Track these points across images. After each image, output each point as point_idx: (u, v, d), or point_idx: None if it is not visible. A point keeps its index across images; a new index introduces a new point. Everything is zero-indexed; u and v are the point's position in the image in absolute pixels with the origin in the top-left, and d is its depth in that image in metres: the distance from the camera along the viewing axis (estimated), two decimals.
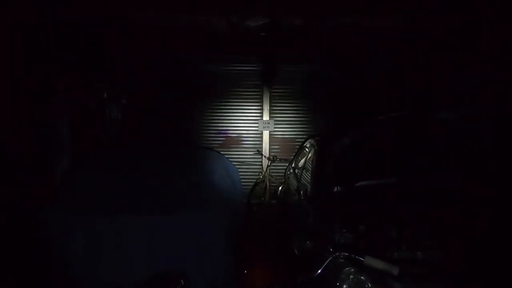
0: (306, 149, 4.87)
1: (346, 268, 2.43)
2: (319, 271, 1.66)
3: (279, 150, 7.20)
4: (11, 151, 4.59)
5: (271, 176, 6.79)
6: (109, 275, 2.97)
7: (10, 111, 4.64)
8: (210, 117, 7.25)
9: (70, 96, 5.61)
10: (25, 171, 4.72)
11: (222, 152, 6.49)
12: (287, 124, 7.25)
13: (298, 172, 4.90)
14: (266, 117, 7.18)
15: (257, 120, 7.22)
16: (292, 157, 5.75)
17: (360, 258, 1.63)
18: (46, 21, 5.11)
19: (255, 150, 7.15)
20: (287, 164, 6.17)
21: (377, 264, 1.59)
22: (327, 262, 1.68)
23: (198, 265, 2.84)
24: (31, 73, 4.84)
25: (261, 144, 7.22)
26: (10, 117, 4.63)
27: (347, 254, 1.69)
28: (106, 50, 6.45)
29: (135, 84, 7.04)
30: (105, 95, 6.52)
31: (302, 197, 3.68)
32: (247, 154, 7.24)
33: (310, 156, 4.45)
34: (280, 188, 6.08)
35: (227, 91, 7.23)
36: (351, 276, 2.40)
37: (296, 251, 1.77)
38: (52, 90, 5.35)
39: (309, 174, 4.12)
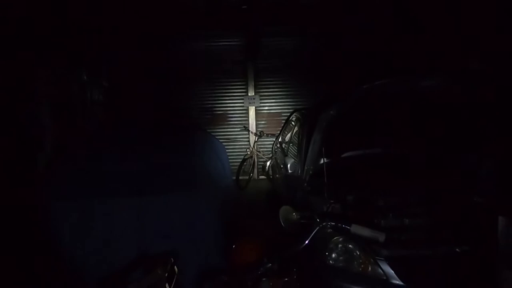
0: (292, 122, 4.85)
1: (334, 238, 2.46)
2: (306, 241, 1.66)
3: (265, 125, 7.18)
4: None
5: (259, 152, 6.79)
6: (101, 256, 2.97)
7: None
8: (195, 95, 7.15)
9: (50, 80, 5.45)
10: (8, 159, 4.62)
11: (209, 130, 6.44)
12: (273, 98, 7.21)
13: (285, 146, 4.90)
14: (251, 92, 7.11)
15: (242, 96, 7.15)
16: (279, 132, 5.74)
17: (346, 226, 1.63)
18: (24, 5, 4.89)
19: (242, 126, 7.11)
20: (274, 139, 6.17)
21: (364, 231, 1.60)
22: (314, 232, 1.68)
23: (189, 244, 2.85)
24: (10, 58, 4.67)
25: (248, 120, 7.19)
26: None
27: (333, 223, 1.69)
28: (86, 32, 6.23)
29: (117, 66, 6.85)
30: (85, 77, 6.33)
31: (290, 171, 3.69)
32: (234, 131, 7.20)
33: (297, 130, 4.44)
34: (268, 163, 6.10)
35: (211, 68, 7.12)
36: (340, 245, 2.44)
37: (282, 224, 1.77)
38: (32, 75, 5.18)
39: (296, 148, 4.12)
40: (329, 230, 2.32)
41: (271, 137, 6.52)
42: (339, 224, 1.68)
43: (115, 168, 3.47)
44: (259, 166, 6.81)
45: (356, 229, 1.62)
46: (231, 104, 7.20)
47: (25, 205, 3.24)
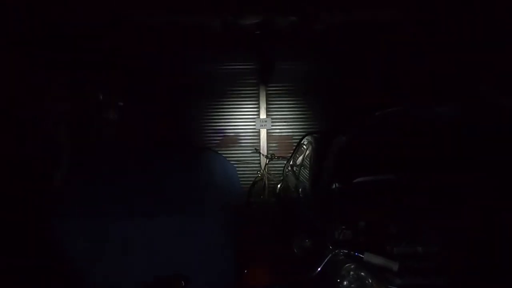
0: (304, 146, 4.87)
1: (347, 265, 2.43)
2: (318, 268, 1.66)
3: (277, 148, 7.20)
4: (9, 153, 4.57)
5: (270, 174, 6.79)
6: (112, 276, 2.98)
7: (9, 113, 4.62)
8: (207, 117, 7.24)
9: (68, 98, 5.60)
10: (24, 173, 4.71)
11: (220, 152, 6.49)
12: (284, 121, 7.25)
13: (296, 169, 4.90)
14: (263, 115, 7.18)
15: (254, 118, 7.22)
16: (290, 155, 5.74)
17: (359, 254, 1.63)
18: (46, 22, 5.09)
19: (253, 148, 7.14)
20: (285, 162, 6.17)
21: (377, 260, 1.60)
22: (326, 259, 1.68)
23: (199, 266, 2.84)
24: (30, 75, 4.83)
25: (259, 143, 7.22)
26: (9, 119, 4.61)
27: (346, 251, 1.69)
28: (102, 51, 6.42)
29: (131, 85, 7.01)
30: (101, 96, 6.49)
31: (301, 195, 3.68)
32: (245, 153, 7.23)
33: (308, 153, 4.45)
34: (278, 186, 6.09)
35: (224, 90, 7.22)
36: (351, 273, 2.41)
37: (295, 250, 1.77)
38: (51, 92, 5.34)
39: (308, 171, 4.12)
40: (341, 257, 2.30)
41: (282, 159, 6.54)
42: (352, 252, 1.68)
43: (126, 188, 3.51)
44: (269, 188, 6.79)
45: (369, 257, 1.62)
46: (243, 126, 7.26)
47: (35, 222, 3.27)
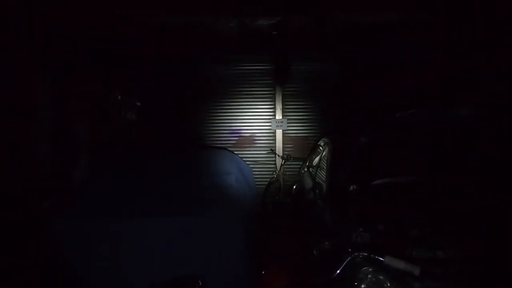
0: (321, 147, 4.84)
1: (364, 268, 2.40)
2: (337, 271, 1.65)
3: (292, 149, 7.17)
4: (29, 154, 4.67)
5: (285, 175, 6.77)
6: (127, 278, 2.99)
7: (28, 114, 4.72)
8: (223, 117, 7.27)
9: (86, 99, 5.69)
10: (43, 173, 4.80)
11: (235, 152, 6.50)
12: (300, 122, 7.22)
13: (312, 170, 4.87)
14: (279, 116, 7.17)
15: (270, 119, 7.21)
16: (306, 156, 5.72)
17: (380, 258, 1.61)
18: (63, 24, 5.19)
19: (269, 149, 7.13)
20: (301, 163, 6.15)
21: (398, 264, 1.57)
22: (345, 262, 1.66)
23: (215, 266, 2.84)
24: (48, 77, 4.92)
25: (275, 143, 7.21)
26: (28, 120, 4.71)
27: (366, 254, 1.67)
28: (120, 53, 6.52)
29: (148, 86, 7.10)
30: (119, 97, 6.59)
31: (317, 196, 3.66)
32: (261, 153, 7.23)
33: (325, 154, 4.42)
34: (294, 186, 6.07)
35: (240, 91, 7.24)
36: (369, 276, 2.38)
37: (314, 252, 1.76)
38: (69, 93, 5.44)
39: (324, 173, 4.09)
40: (359, 260, 2.27)
41: (297, 160, 6.51)
42: (372, 255, 1.66)
43: (143, 188, 3.55)
44: (285, 189, 6.77)
45: (390, 261, 1.59)
46: (259, 127, 7.26)
47: (50, 224, 3.28)
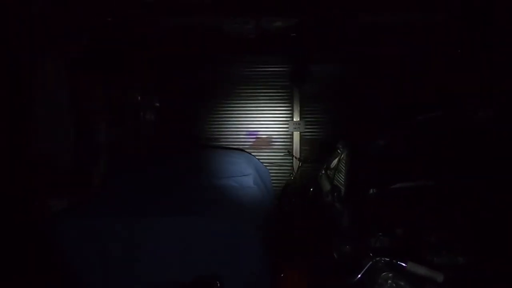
0: (339, 150, 4.80)
1: (384, 273, 2.37)
2: (358, 276, 1.63)
3: (310, 151, 7.14)
4: (49, 155, 4.75)
5: (302, 177, 6.74)
6: (144, 278, 3.01)
7: (48, 115, 4.81)
8: (241, 119, 7.28)
9: (106, 100, 5.78)
10: (63, 174, 4.88)
11: (253, 154, 6.52)
12: (318, 124, 7.18)
13: (330, 173, 4.85)
14: (296, 118, 7.14)
15: (287, 121, 7.19)
16: (324, 158, 5.68)
17: (402, 263, 1.59)
18: (81, 27, 5.29)
19: (286, 151, 7.12)
20: (318, 165, 6.11)
21: (420, 270, 1.55)
22: (367, 267, 1.64)
23: (233, 268, 2.85)
24: (66, 77, 5.00)
25: (292, 145, 7.19)
26: (48, 121, 4.80)
27: (388, 259, 1.65)
28: (139, 54, 6.61)
29: (167, 87, 7.18)
30: (139, 98, 6.69)
31: (336, 199, 3.64)
32: (278, 155, 7.22)
33: (343, 157, 4.39)
34: (311, 189, 6.04)
35: (257, 92, 7.24)
36: (389, 281, 2.35)
37: (335, 255, 1.75)
38: (89, 94, 5.53)
39: (342, 176, 4.07)
40: (380, 265, 2.25)
41: (315, 163, 6.48)
42: (394, 261, 1.64)
43: (161, 189, 3.58)
44: (302, 192, 6.74)
45: (412, 267, 1.57)
46: (276, 128, 7.25)
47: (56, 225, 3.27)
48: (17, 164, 4.20)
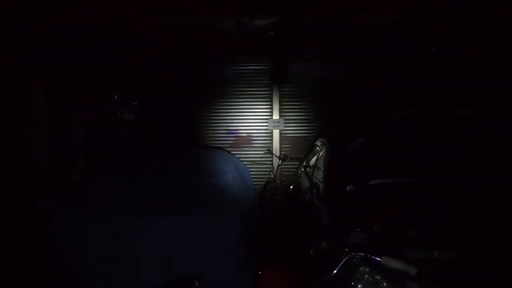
0: (318, 147, 4.84)
1: (361, 268, 2.40)
2: (334, 271, 1.65)
3: (289, 149, 7.17)
4: (28, 153, 4.65)
5: (282, 175, 6.77)
6: (124, 276, 2.98)
7: (27, 114, 4.70)
8: (220, 117, 7.26)
9: (84, 99, 5.69)
10: (41, 172, 4.78)
11: (232, 152, 6.50)
12: (298, 122, 7.22)
13: (309, 170, 4.87)
14: (276, 116, 7.16)
15: (267, 119, 7.21)
16: (303, 156, 5.72)
17: (377, 258, 1.61)
18: (62, 25, 5.18)
19: (266, 149, 7.13)
20: (298, 163, 6.14)
21: (395, 264, 1.57)
22: (342, 262, 1.66)
23: (213, 266, 2.83)
24: (46, 78, 4.91)
25: (272, 143, 7.21)
26: (27, 120, 4.70)
27: (363, 254, 1.67)
28: (118, 54, 6.50)
29: (146, 86, 7.07)
30: (117, 97, 6.57)
31: (314, 196, 3.66)
32: (258, 154, 7.23)
33: (322, 155, 4.42)
34: (291, 187, 6.07)
35: (237, 91, 7.23)
36: (366, 276, 2.38)
37: (311, 251, 1.76)
38: (67, 93, 5.43)
39: (321, 173, 4.09)
40: (356, 260, 2.27)
41: (295, 160, 6.52)
42: (369, 255, 1.65)
43: (140, 188, 3.53)
44: (282, 189, 6.77)
45: (386, 261, 1.59)
46: (256, 127, 7.26)
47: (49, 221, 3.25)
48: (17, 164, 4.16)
